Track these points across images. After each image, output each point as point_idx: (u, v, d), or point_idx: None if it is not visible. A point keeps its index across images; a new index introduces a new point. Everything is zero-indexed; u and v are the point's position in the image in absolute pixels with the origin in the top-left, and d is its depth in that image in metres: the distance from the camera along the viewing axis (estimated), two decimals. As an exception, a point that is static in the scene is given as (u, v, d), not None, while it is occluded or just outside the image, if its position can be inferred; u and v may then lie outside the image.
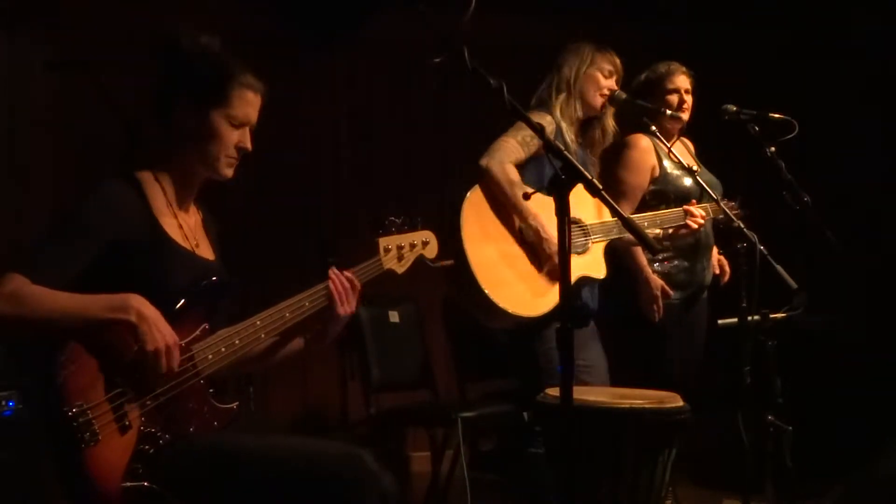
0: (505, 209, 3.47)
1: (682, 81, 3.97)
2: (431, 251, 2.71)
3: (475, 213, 3.40)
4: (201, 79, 2.40)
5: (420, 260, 2.70)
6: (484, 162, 3.45)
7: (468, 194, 3.42)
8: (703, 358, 4.01)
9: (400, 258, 2.63)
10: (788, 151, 3.67)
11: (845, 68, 5.31)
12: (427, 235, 2.70)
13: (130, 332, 2.21)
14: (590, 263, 3.54)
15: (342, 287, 2.50)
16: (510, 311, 3.36)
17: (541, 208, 3.42)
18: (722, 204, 3.67)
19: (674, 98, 3.94)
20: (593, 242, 3.55)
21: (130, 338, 2.21)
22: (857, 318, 4.88)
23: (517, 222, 3.48)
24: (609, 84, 3.67)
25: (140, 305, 2.21)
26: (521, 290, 3.40)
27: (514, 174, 3.45)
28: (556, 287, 3.40)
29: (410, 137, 5.68)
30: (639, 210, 3.83)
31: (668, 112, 3.74)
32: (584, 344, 3.65)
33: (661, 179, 3.87)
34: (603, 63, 3.67)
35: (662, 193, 3.87)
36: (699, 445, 3.81)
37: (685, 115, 3.95)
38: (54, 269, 2.22)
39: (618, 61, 3.71)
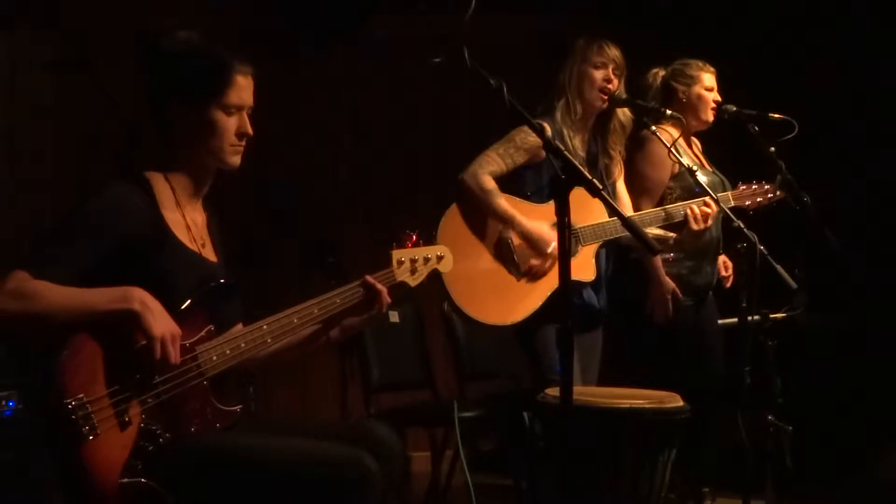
0: (482, 222, 3.49)
1: (713, 80, 3.97)
2: (446, 265, 2.71)
3: (450, 231, 3.43)
4: (190, 76, 2.39)
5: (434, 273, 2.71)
6: (460, 176, 3.48)
7: (446, 212, 3.47)
8: (723, 358, 3.99)
9: (413, 271, 2.64)
10: (788, 151, 3.66)
11: (845, 68, 5.30)
12: (442, 250, 2.70)
13: (134, 325, 2.21)
14: (575, 266, 3.52)
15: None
16: (484, 321, 3.45)
17: (534, 218, 3.45)
18: (732, 194, 3.70)
19: (710, 96, 3.93)
20: (583, 246, 3.53)
21: (133, 331, 2.22)
22: (857, 318, 4.87)
23: (493, 234, 3.49)
24: (603, 75, 3.57)
25: (143, 296, 2.22)
26: (495, 301, 3.46)
27: (489, 183, 3.46)
28: (534, 293, 3.47)
29: (410, 137, 5.68)
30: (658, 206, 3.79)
31: (668, 112, 3.72)
32: (588, 352, 3.65)
33: (680, 175, 3.84)
34: (593, 56, 3.59)
35: (673, 190, 3.86)
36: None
37: (712, 115, 3.95)
38: (57, 268, 2.22)
39: (612, 51, 3.60)
